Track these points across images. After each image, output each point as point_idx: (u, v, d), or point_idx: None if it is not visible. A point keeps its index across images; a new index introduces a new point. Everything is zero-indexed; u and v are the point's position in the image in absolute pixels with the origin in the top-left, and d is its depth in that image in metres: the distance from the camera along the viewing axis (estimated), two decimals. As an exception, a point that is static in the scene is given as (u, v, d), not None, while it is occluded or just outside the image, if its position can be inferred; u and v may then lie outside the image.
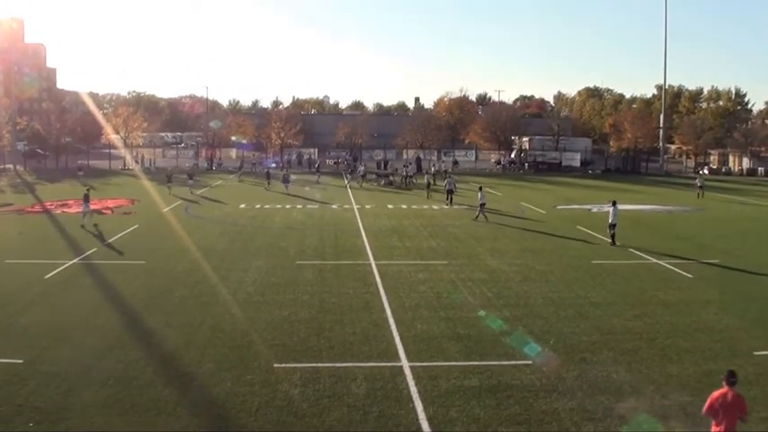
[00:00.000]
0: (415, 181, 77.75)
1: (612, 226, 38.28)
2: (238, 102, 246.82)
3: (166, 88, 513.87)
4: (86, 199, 44.31)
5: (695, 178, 72.89)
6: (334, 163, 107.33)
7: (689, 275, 30.69)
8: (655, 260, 33.95)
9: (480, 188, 50.71)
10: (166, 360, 19.46)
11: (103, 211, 51.57)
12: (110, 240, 38.03)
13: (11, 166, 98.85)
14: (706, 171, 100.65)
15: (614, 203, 38.93)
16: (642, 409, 16.16)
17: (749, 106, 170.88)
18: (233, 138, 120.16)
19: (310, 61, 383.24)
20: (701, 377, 18.26)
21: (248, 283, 28.40)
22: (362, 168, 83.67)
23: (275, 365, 18.85)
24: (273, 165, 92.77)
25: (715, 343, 21.25)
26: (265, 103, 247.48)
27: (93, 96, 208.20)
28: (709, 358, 19.85)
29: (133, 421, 15.34)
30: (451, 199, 57.92)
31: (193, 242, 37.61)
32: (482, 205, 48.42)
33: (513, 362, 19.32)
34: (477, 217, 48.24)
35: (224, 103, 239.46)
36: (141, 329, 22.20)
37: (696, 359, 19.75)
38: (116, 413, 15.71)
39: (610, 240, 38.20)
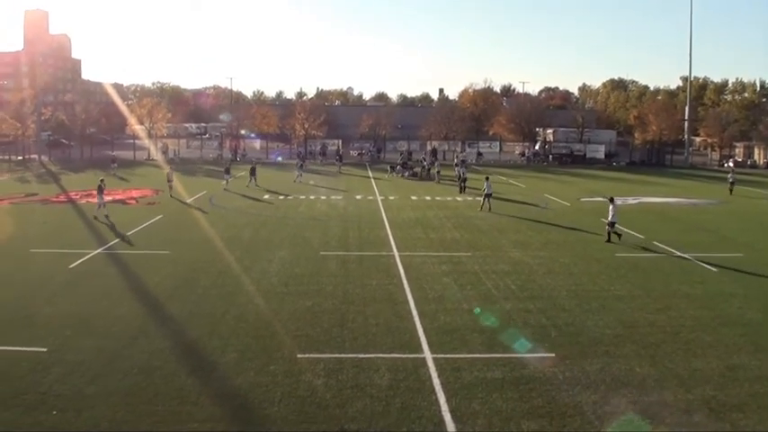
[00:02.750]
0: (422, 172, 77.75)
1: (612, 224, 36.92)
2: (263, 93, 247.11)
3: (191, 79, 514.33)
4: (100, 190, 44.41)
5: (728, 173, 70.85)
6: (358, 154, 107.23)
7: (713, 269, 30.48)
8: (679, 253, 33.71)
9: (487, 178, 51.23)
10: (190, 350, 19.58)
11: (128, 201, 51.92)
12: (134, 230, 38.25)
13: (35, 156, 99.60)
14: (731, 164, 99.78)
15: (612, 200, 37.84)
16: (665, 403, 16.12)
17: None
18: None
19: (334, 53, 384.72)
20: (724, 371, 18.16)
21: (272, 274, 28.51)
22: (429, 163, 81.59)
23: (298, 356, 18.92)
24: (280, 159, 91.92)
25: (739, 337, 21.10)
26: (290, 94, 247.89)
27: (118, 87, 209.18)
28: (733, 353, 19.72)
29: (156, 410, 15.43)
30: (463, 188, 58.47)
31: (217, 232, 37.76)
32: (488, 195, 48.77)
33: (536, 354, 19.30)
34: (482, 207, 48.73)
35: (248, 94, 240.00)
36: (165, 319, 22.35)
37: (720, 353, 19.62)
38: (140, 402, 15.81)
39: (606, 237, 36.94)
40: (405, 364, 18.42)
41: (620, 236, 36.65)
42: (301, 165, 74.34)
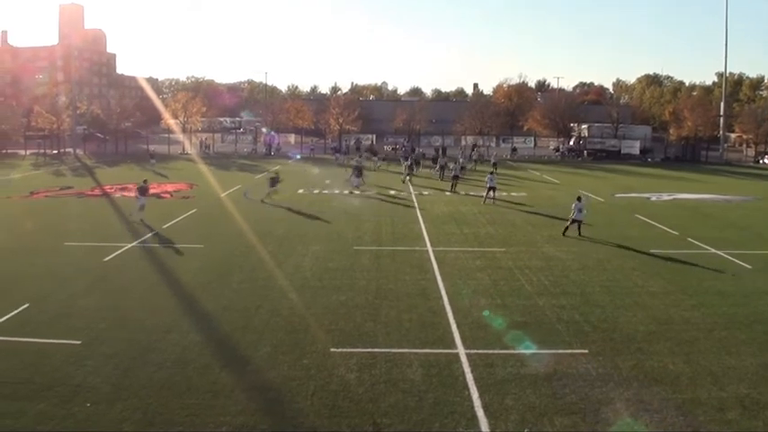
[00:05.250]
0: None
1: (575, 222, 36.07)
2: (297, 87, 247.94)
3: (225, 73, 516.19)
4: (143, 191, 40.58)
5: None
6: (392, 149, 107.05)
7: (747, 266, 30.20)
8: (713, 250, 33.45)
9: (491, 172, 52.87)
10: (224, 343, 19.72)
11: (163, 195, 52.20)
12: (168, 224, 38.53)
13: (70, 149, 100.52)
14: (767, 160, 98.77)
15: (579, 199, 36.87)
16: (699, 400, 16.04)
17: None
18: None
19: (369, 48, 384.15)
20: (758, 369, 18.05)
21: (306, 268, 28.59)
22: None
23: (331, 350, 19.02)
24: (299, 156, 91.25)
25: (774, 335, 20.96)
26: (324, 88, 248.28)
27: (152, 82, 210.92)
28: (767, 350, 19.62)
29: (190, 403, 15.58)
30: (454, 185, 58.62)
31: (251, 227, 37.79)
32: (492, 189, 49.54)
33: (570, 350, 19.28)
34: (484, 201, 49.66)
35: (283, 88, 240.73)
36: (199, 313, 22.50)
37: (754, 351, 19.48)
38: (173, 395, 15.98)
39: (563, 231, 36.57)
40: (438, 359, 18.47)
41: (563, 232, 36.37)
42: (411, 164, 67.88)
